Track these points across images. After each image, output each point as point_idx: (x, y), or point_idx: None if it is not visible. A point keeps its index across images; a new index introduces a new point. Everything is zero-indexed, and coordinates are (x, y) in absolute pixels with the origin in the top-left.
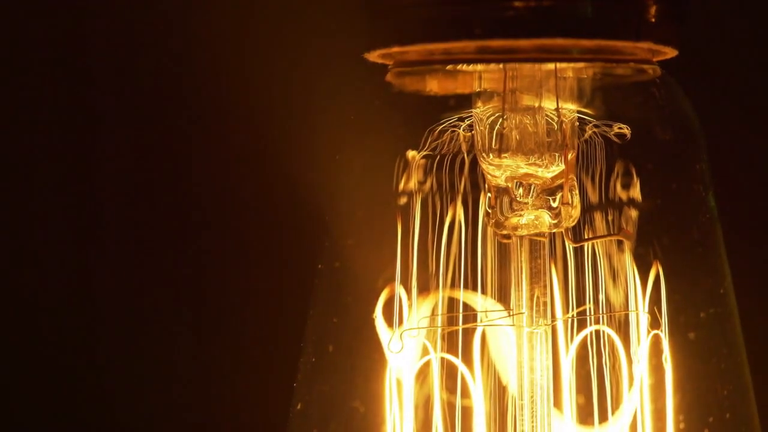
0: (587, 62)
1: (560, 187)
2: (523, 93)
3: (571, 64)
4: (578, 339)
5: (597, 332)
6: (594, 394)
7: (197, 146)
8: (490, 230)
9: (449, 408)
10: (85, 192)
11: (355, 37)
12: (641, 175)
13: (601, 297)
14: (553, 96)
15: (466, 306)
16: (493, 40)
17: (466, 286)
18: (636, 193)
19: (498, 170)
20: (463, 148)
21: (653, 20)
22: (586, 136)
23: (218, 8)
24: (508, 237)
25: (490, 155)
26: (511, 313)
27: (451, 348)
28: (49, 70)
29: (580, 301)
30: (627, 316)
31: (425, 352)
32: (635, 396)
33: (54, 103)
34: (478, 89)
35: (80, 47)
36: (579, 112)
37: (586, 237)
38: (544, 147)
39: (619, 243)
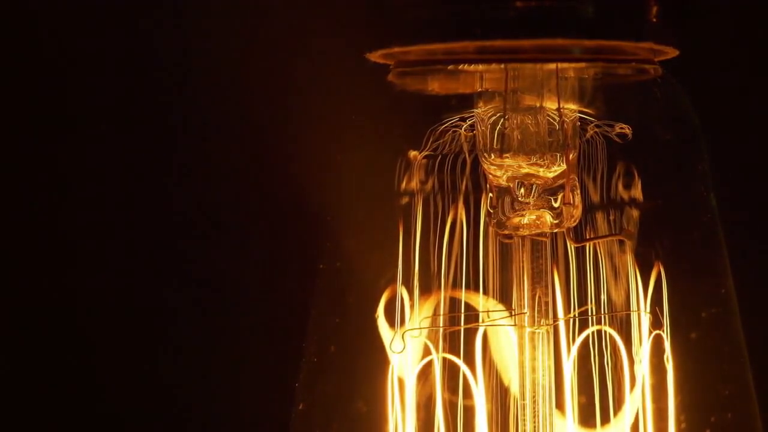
0: (588, 62)
1: (562, 187)
2: (525, 93)
3: (573, 64)
4: (580, 339)
5: (599, 332)
6: (596, 394)
7: (197, 147)
8: (491, 230)
9: (451, 408)
10: (84, 195)
11: (357, 37)
12: (643, 175)
13: (603, 297)
14: (555, 96)
15: (467, 306)
16: (495, 40)
17: (467, 286)
18: (637, 193)
19: (499, 170)
20: (465, 148)
21: (654, 20)
22: (588, 136)
23: (218, 8)
24: (509, 237)
25: (492, 155)
26: (513, 313)
27: (453, 348)
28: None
29: (582, 301)
30: (629, 316)
31: (427, 352)
32: (637, 396)
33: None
34: (480, 89)
35: (79, 50)
36: (580, 111)
37: (587, 237)
38: (546, 147)
39: (621, 243)
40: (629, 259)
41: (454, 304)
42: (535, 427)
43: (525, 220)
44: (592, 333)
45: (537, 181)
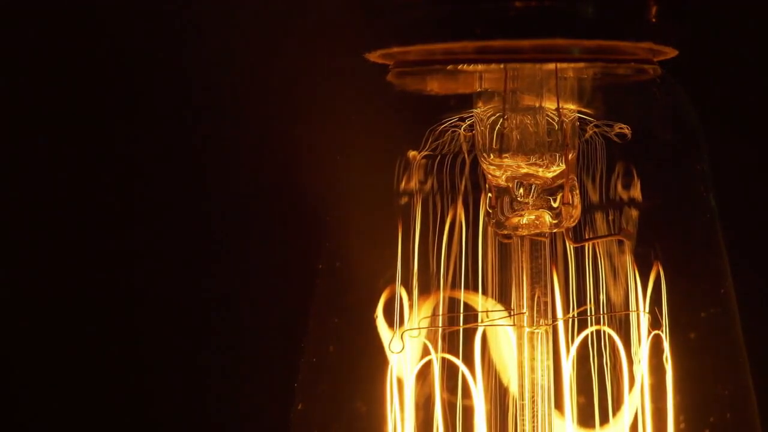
0: (588, 62)
1: (561, 187)
2: (524, 93)
3: (572, 64)
4: (579, 339)
5: (598, 332)
6: (595, 394)
7: (197, 147)
8: (490, 230)
9: (450, 408)
10: (84, 195)
11: (356, 37)
12: (642, 175)
13: (602, 297)
14: (554, 96)
15: (466, 306)
16: (494, 40)
17: (466, 286)
18: (636, 193)
19: (499, 170)
20: (464, 148)
21: (654, 20)
22: (587, 136)
23: (218, 8)
24: (508, 237)
25: (491, 155)
26: (512, 313)
27: (452, 348)
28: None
29: (581, 301)
30: (628, 316)
31: (426, 352)
32: (636, 396)
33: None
34: (479, 89)
35: (77, 46)
36: (579, 112)
37: (586, 237)
38: (545, 147)
39: (620, 243)
40: (628, 259)
41: (453, 304)
42: (534, 427)
43: (524, 220)
44: (591, 333)
45: (536, 181)
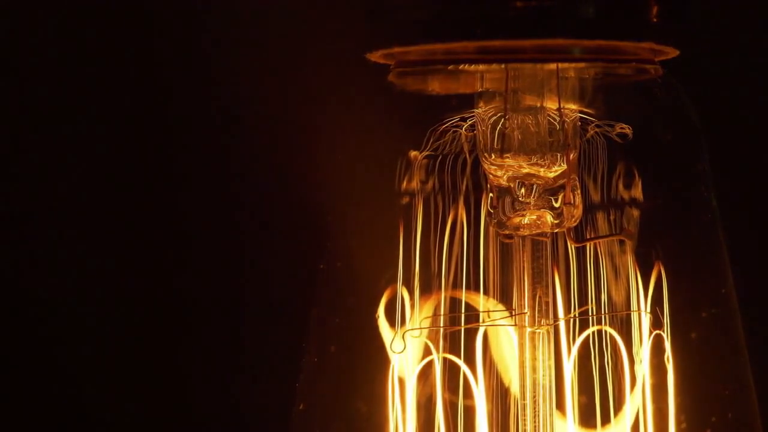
0: (589, 62)
1: (562, 187)
2: (525, 93)
3: (573, 64)
4: (580, 339)
5: (599, 332)
6: (596, 394)
7: (199, 147)
8: (492, 230)
9: (451, 408)
10: (82, 196)
11: (357, 37)
12: (643, 175)
13: (603, 297)
14: (555, 96)
15: (468, 306)
16: (495, 40)
17: (468, 287)
18: (638, 192)
19: (500, 170)
20: (465, 148)
21: (655, 20)
22: (588, 135)
23: (218, 7)
24: (510, 237)
25: (492, 155)
26: (514, 313)
27: (453, 348)
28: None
29: (582, 301)
30: (629, 316)
31: (427, 352)
32: (637, 396)
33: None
34: (480, 89)
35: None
36: (581, 111)
37: (588, 237)
38: (546, 147)
39: (621, 243)
40: (629, 259)
41: (454, 304)
42: (535, 427)
43: (525, 220)
44: (593, 333)
45: (537, 181)
